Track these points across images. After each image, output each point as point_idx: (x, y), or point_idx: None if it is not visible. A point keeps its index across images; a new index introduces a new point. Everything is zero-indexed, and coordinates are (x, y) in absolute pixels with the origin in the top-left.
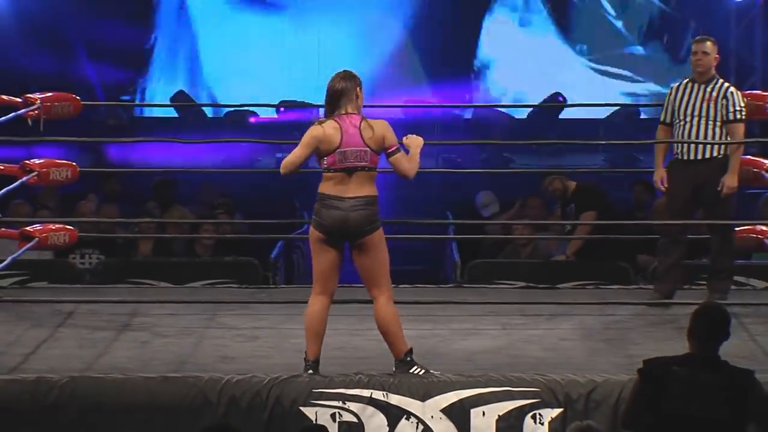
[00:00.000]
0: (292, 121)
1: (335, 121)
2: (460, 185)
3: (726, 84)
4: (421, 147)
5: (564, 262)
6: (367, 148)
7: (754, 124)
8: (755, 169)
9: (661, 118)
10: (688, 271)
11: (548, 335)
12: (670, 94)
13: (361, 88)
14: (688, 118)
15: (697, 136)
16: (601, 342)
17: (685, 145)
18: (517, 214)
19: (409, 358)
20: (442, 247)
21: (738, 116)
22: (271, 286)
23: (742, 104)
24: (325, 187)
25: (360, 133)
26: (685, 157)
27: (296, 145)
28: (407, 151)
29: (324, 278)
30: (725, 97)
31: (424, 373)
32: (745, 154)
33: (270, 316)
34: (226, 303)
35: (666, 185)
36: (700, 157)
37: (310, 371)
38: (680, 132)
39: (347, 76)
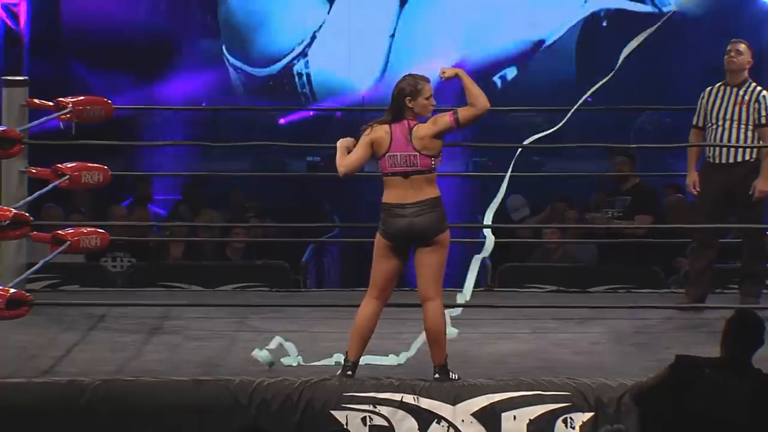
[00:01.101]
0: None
1: (388, 124)
2: (490, 189)
3: (759, 88)
4: (462, 72)
5: (595, 267)
6: (416, 153)
7: None
8: None
9: (694, 122)
10: (719, 275)
11: (579, 339)
12: (703, 97)
13: (419, 96)
14: (721, 122)
15: (729, 140)
16: (632, 346)
17: (717, 149)
18: (547, 218)
19: (446, 364)
20: (471, 251)
21: None
22: (302, 289)
23: None
24: (387, 196)
25: (408, 137)
26: (717, 161)
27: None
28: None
29: (382, 283)
30: (758, 100)
31: (458, 377)
32: None
33: (300, 319)
34: (257, 306)
35: (698, 189)
36: (732, 160)
37: (348, 372)
38: (712, 136)
39: (399, 82)
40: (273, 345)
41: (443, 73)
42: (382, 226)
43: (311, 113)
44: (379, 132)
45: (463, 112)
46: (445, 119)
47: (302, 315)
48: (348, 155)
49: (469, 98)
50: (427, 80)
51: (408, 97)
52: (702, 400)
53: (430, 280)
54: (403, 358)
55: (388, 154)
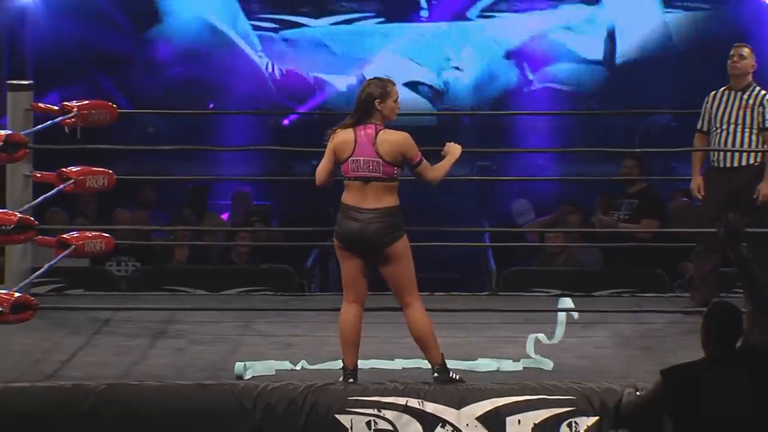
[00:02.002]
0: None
1: (352, 129)
2: (495, 193)
3: (762, 92)
4: (457, 156)
5: (599, 271)
6: (380, 159)
7: None
8: None
9: (698, 126)
10: (724, 279)
11: (584, 343)
12: (707, 102)
13: (388, 98)
14: (724, 126)
15: (733, 144)
16: (636, 350)
17: (721, 153)
18: (553, 222)
19: (444, 363)
20: (477, 255)
21: None
22: (306, 293)
23: None
24: (346, 197)
25: (373, 143)
26: (721, 165)
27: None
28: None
29: (351, 286)
30: (761, 104)
31: (459, 378)
32: None
33: (305, 323)
34: (262, 310)
35: (703, 193)
36: (735, 164)
37: (350, 380)
38: (716, 140)
39: (368, 84)
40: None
41: (446, 147)
42: (337, 226)
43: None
44: (342, 136)
45: (422, 173)
46: (414, 153)
47: (307, 319)
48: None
49: (434, 171)
50: (394, 83)
51: (378, 100)
52: (711, 403)
53: (401, 290)
54: (522, 364)
55: (351, 158)
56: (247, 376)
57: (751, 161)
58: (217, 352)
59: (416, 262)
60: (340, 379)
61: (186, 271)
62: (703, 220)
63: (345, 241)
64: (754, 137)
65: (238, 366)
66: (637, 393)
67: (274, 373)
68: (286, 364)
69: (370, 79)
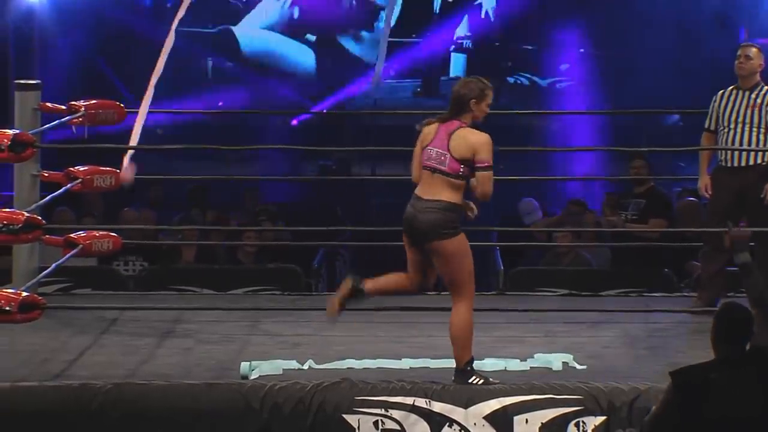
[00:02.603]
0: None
1: (438, 122)
2: (504, 192)
3: None
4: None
5: (607, 270)
6: (448, 153)
7: None
8: None
9: (706, 125)
10: (731, 278)
11: (591, 343)
12: (715, 100)
13: (483, 101)
14: (732, 125)
15: (741, 143)
16: (644, 350)
17: (729, 152)
18: (560, 221)
19: (469, 368)
20: (485, 255)
21: None
22: (314, 293)
23: None
24: (418, 186)
25: (449, 137)
26: (729, 164)
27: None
28: None
29: (411, 271)
30: None
31: (482, 383)
32: None
33: (312, 323)
34: (269, 310)
35: (710, 192)
36: (743, 164)
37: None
38: (724, 139)
39: (467, 83)
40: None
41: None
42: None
43: (323, 113)
44: (428, 128)
45: (484, 177)
46: (484, 156)
47: (314, 318)
48: None
49: (490, 188)
50: (492, 87)
51: (474, 99)
52: (719, 404)
53: (449, 287)
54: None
55: (427, 147)
56: (253, 376)
57: (759, 160)
58: (225, 352)
59: None
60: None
61: (193, 271)
62: (710, 219)
63: (403, 226)
64: (762, 136)
65: (244, 366)
66: None
67: (281, 372)
68: (294, 364)
69: (470, 78)
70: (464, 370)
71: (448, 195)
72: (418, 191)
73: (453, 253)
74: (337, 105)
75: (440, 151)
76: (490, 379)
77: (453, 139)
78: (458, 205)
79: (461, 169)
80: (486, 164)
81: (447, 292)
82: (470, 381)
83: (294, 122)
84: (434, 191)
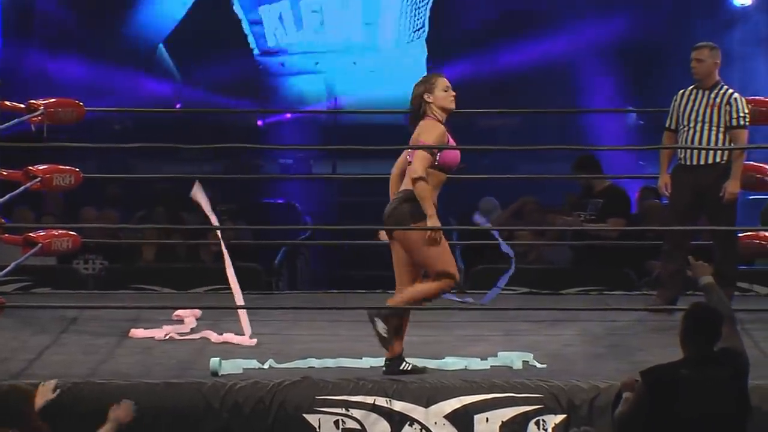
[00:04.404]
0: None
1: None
2: (463, 191)
3: (730, 90)
4: (430, 216)
5: (567, 269)
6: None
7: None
8: (758, 175)
9: (667, 124)
10: (690, 277)
11: (551, 341)
12: (676, 99)
13: (431, 89)
14: (692, 124)
15: (700, 142)
16: (604, 348)
17: (688, 151)
18: (513, 213)
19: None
20: None
21: (741, 122)
22: (275, 291)
23: (746, 110)
24: None
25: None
26: (688, 163)
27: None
28: None
29: (397, 274)
30: (729, 103)
31: (411, 368)
32: (749, 160)
33: (273, 322)
34: (230, 309)
35: (669, 191)
36: (702, 162)
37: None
38: (684, 138)
39: (415, 86)
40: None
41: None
42: None
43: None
44: None
45: (415, 159)
46: (421, 138)
47: (275, 317)
48: None
49: (415, 172)
50: (440, 74)
51: (426, 93)
52: (690, 401)
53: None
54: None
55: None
56: (221, 373)
57: (718, 159)
58: (185, 351)
59: (383, 261)
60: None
61: (154, 270)
62: (670, 218)
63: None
64: (721, 135)
65: (214, 362)
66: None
67: (241, 371)
68: (254, 363)
69: (417, 82)
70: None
71: (407, 184)
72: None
73: (417, 240)
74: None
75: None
76: (417, 366)
77: (415, 131)
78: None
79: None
80: (421, 144)
81: None
82: (402, 367)
83: (260, 123)
84: (402, 184)
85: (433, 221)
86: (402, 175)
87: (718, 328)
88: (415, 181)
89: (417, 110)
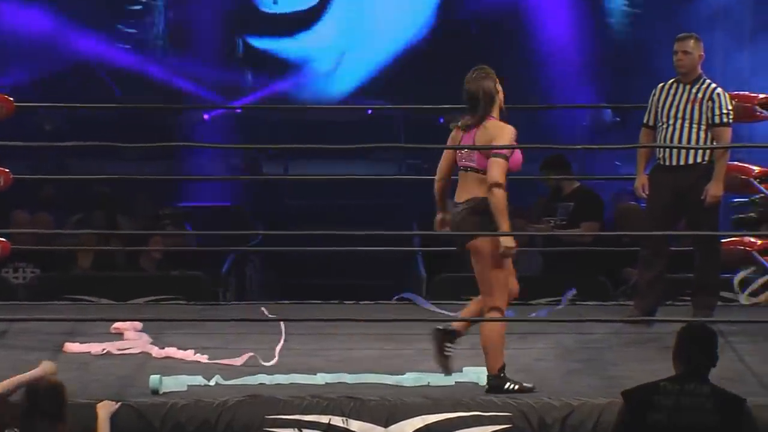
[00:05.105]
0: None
1: (468, 122)
2: (426, 194)
3: (713, 85)
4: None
5: (537, 277)
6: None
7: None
8: (743, 176)
9: (644, 121)
10: (670, 285)
11: (521, 355)
12: (654, 94)
13: (498, 88)
14: (672, 121)
15: (681, 141)
16: (577, 362)
17: (668, 150)
18: None
19: (502, 374)
20: (406, 261)
21: (724, 119)
22: (221, 302)
23: (730, 107)
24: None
25: (475, 133)
26: (668, 163)
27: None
28: None
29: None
30: (711, 99)
31: (518, 389)
32: (732, 160)
33: (220, 335)
34: (172, 321)
35: (647, 193)
36: (683, 162)
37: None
38: (663, 136)
39: (480, 78)
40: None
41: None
42: None
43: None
44: (455, 131)
45: (491, 165)
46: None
47: (222, 330)
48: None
49: (499, 176)
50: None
51: (495, 89)
52: (666, 413)
53: (480, 290)
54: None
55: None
56: (162, 391)
57: (699, 159)
58: (125, 367)
59: (339, 267)
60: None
61: (90, 279)
62: (647, 222)
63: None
64: (702, 134)
65: (153, 379)
66: None
67: (185, 389)
68: (199, 380)
69: (477, 72)
70: (498, 376)
71: (477, 192)
72: (456, 196)
73: (487, 255)
74: (260, 101)
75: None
76: (525, 384)
77: (478, 133)
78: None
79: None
80: (497, 150)
81: (366, 302)
82: (506, 387)
83: (206, 117)
84: (466, 192)
85: (509, 239)
86: (446, 179)
87: (714, 351)
88: (493, 188)
89: (485, 105)
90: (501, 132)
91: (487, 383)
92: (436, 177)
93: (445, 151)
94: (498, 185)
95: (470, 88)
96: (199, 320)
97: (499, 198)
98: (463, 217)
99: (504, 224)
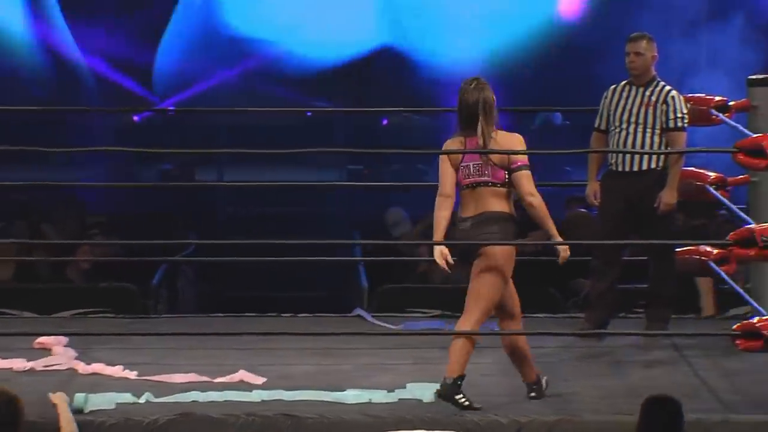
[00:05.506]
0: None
1: (464, 136)
2: (368, 201)
3: (667, 87)
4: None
5: None
6: (489, 162)
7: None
8: (698, 183)
9: (596, 125)
10: (623, 297)
11: (467, 370)
12: (606, 97)
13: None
14: (624, 125)
15: (634, 145)
16: None
17: (620, 156)
18: (423, 230)
19: (459, 383)
20: (347, 272)
21: (679, 123)
22: (152, 315)
23: (685, 110)
24: (459, 209)
25: (483, 145)
26: (620, 169)
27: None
28: None
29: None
30: (666, 102)
31: (467, 405)
32: (687, 165)
33: (150, 350)
34: (100, 335)
35: (599, 200)
36: (636, 168)
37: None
38: (615, 140)
39: (479, 89)
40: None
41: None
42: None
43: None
44: (453, 144)
45: (519, 179)
46: (521, 158)
47: (152, 345)
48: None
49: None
50: None
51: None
52: None
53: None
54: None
55: (461, 164)
56: (88, 410)
57: (653, 165)
58: (49, 384)
59: (277, 279)
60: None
61: (12, 291)
62: (599, 231)
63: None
64: (656, 138)
65: (78, 398)
66: None
67: (114, 407)
68: (128, 397)
69: (473, 82)
70: (455, 383)
71: (493, 205)
72: (461, 211)
73: (500, 259)
74: (190, 100)
75: (477, 163)
76: (474, 405)
77: (490, 147)
78: (505, 213)
79: (504, 176)
80: (520, 162)
81: (304, 314)
82: (457, 398)
83: (136, 119)
84: (479, 205)
85: (565, 248)
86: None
87: (680, 425)
88: (532, 200)
89: (490, 116)
90: (515, 143)
91: (441, 386)
92: (441, 202)
93: (447, 169)
94: (535, 195)
95: (469, 99)
96: (129, 334)
97: (542, 206)
98: (479, 225)
99: (555, 230)
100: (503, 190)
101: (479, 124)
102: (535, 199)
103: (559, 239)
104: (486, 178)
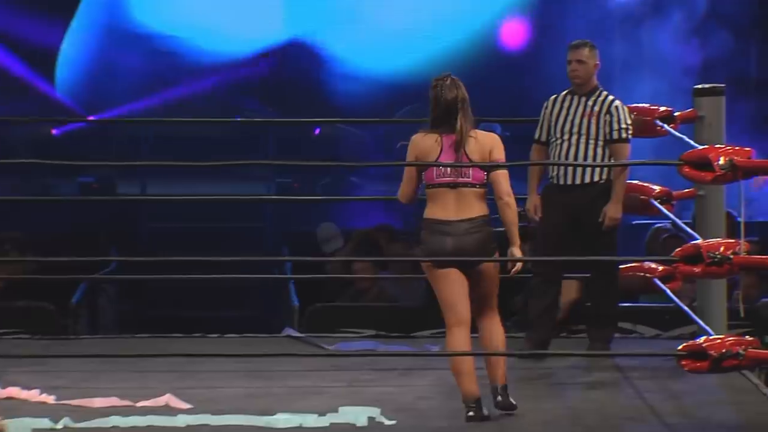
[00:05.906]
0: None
1: (439, 133)
2: (298, 215)
3: (610, 97)
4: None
5: (419, 307)
6: (469, 161)
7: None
8: (642, 196)
9: (536, 136)
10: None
11: (402, 393)
12: (547, 107)
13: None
14: (566, 137)
15: (576, 157)
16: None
17: (562, 168)
18: (356, 248)
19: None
20: (276, 290)
21: (623, 135)
22: (71, 336)
23: (629, 121)
24: (430, 210)
25: (460, 144)
26: (562, 182)
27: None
28: None
29: (453, 305)
30: (609, 112)
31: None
32: (632, 178)
33: (69, 372)
34: (14, 358)
35: (540, 215)
36: (578, 181)
37: (471, 413)
38: (557, 152)
39: (456, 86)
40: None
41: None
42: (423, 245)
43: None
44: (428, 141)
45: (499, 179)
46: (501, 158)
47: (71, 367)
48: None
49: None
50: None
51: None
52: None
53: (481, 306)
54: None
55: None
56: None
57: (597, 178)
58: None
59: (203, 297)
60: (469, 413)
61: None
62: (540, 246)
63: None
64: (600, 150)
65: None
66: None
67: None
68: (46, 423)
69: (447, 79)
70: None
71: (480, 209)
72: (440, 215)
73: (497, 271)
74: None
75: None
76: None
77: (467, 144)
78: (489, 216)
79: (483, 177)
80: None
81: (232, 335)
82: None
83: (55, 132)
84: (466, 209)
85: (519, 249)
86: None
87: None
88: (509, 200)
89: (468, 114)
90: (496, 142)
91: (500, 395)
92: (404, 199)
93: (408, 169)
94: (512, 196)
95: (447, 95)
96: (47, 356)
97: (516, 211)
98: (476, 234)
99: (517, 237)
100: (482, 191)
101: (458, 120)
102: (511, 199)
103: (518, 246)
104: (466, 179)
